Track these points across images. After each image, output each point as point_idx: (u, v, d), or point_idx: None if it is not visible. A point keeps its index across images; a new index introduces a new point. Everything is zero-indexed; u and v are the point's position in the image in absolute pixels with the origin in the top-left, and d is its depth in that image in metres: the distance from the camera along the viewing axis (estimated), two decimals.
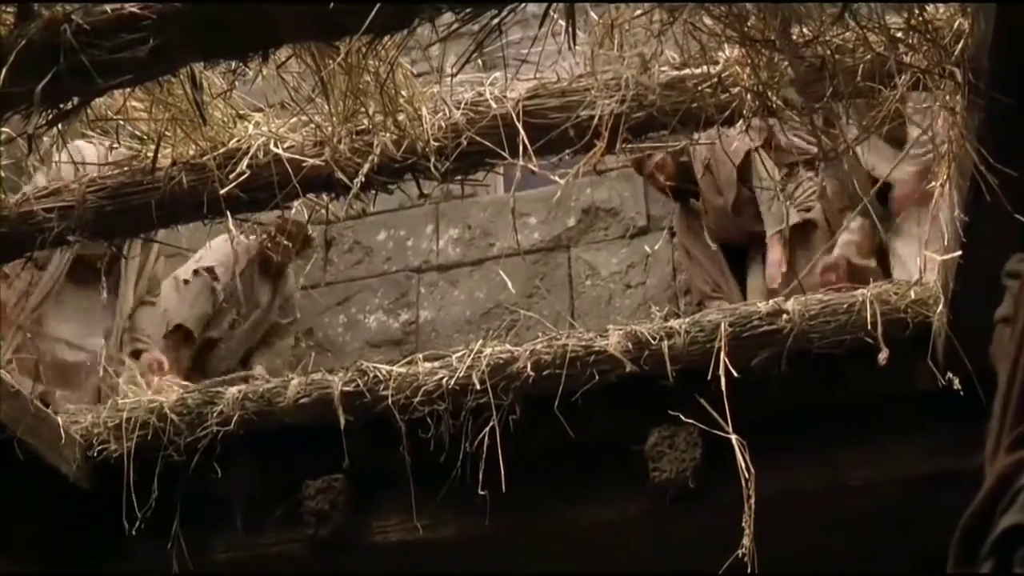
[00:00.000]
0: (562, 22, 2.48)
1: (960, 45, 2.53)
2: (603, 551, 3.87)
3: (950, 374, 3.23)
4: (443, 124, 3.00)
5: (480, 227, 5.96)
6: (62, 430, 3.81)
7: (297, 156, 3.04)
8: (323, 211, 3.29)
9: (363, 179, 2.92)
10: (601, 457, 3.69)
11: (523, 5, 2.42)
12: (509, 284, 3.64)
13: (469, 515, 3.67)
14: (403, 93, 2.91)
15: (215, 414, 3.84)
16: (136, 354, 5.06)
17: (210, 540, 3.94)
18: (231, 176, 3.06)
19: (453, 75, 2.74)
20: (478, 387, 3.60)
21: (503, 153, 2.95)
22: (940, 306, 3.26)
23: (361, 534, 3.87)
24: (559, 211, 5.76)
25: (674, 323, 3.62)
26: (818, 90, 2.60)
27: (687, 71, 2.87)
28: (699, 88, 2.82)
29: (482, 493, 3.49)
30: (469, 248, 5.94)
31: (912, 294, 3.43)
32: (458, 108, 3.00)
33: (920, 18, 2.54)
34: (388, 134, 2.92)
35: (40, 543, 3.93)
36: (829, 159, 2.98)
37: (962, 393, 3.16)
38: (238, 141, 3.13)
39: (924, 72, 2.54)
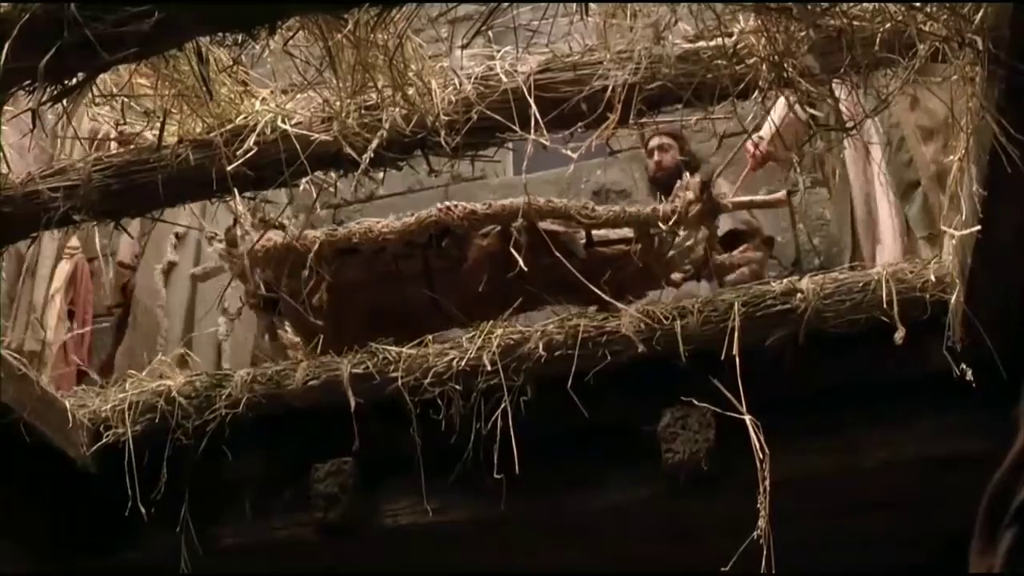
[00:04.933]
0: None
1: (980, 14, 2.47)
2: (616, 534, 3.83)
3: (963, 365, 3.17)
4: (453, 98, 2.96)
5: None
6: (70, 413, 3.78)
7: (305, 132, 3.00)
8: (331, 189, 3.25)
9: (372, 154, 2.88)
10: (614, 439, 3.64)
11: None
12: (521, 263, 3.59)
13: (480, 498, 3.62)
14: (412, 67, 2.86)
15: (223, 397, 3.80)
16: None
17: (218, 524, 3.91)
18: (238, 153, 3.02)
19: (463, 46, 2.70)
20: (489, 368, 3.55)
21: (514, 127, 2.91)
22: (957, 285, 3.21)
23: (371, 518, 3.83)
24: (570, 193, 5.71)
25: (687, 303, 3.58)
26: (835, 60, 2.56)
27: (701, 43, 2.83)
28: (714, 59, 2.77)
29: (497, 477, 3.44)
30: None
31: (929, 273, 3.38)
32: (469, 80, 2.95)
33: None
34: (397, 108, 2.88)
35: (46, 527, 3.91)
36: (847, 131, 2.93)
37: (972, 381, 3.12)
38: (245, 117, 3.09)
39: (944, 41, 2.49)
